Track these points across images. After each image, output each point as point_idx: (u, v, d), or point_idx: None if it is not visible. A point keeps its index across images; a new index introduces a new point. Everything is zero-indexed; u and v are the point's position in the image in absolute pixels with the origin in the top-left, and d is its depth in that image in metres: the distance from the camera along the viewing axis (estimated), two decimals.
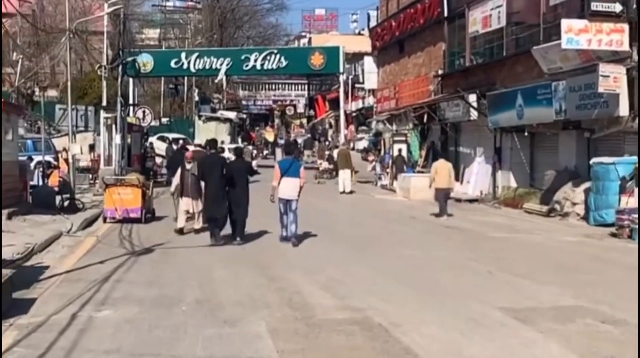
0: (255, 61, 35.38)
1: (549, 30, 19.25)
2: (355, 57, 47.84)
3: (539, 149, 21.45)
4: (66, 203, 17.69)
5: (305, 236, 13.78)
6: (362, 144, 42.41)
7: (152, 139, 38.72)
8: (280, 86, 78.44)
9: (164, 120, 50.88)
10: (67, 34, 18.46)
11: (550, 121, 18.64)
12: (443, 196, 17.98)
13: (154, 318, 6.97)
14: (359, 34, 62.63)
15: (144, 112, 30.11)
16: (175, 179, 14.53)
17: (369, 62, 35.86)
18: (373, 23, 34.62)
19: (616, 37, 15.43)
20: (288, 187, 12.61)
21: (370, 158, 33.25)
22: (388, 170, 29.58)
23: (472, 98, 22.41)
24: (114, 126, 24.16)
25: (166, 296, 7.97)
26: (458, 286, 8.69)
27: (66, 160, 26.62)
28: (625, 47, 15.44)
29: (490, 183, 22.84)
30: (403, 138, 28.56)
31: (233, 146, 36.08)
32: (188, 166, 14.02)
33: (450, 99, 23.74)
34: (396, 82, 31.66)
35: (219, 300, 7.83)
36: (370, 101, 46.99)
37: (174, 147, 30.04)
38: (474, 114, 22.57)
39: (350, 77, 49.39)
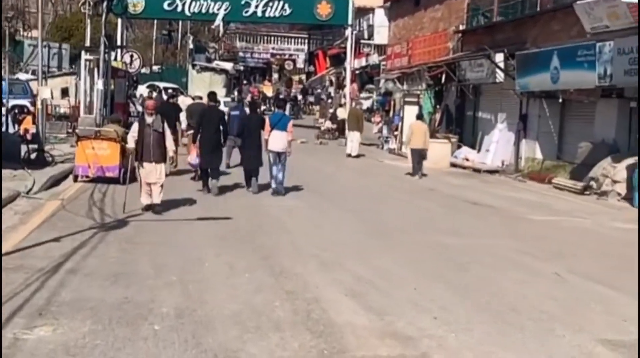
0: (257, 6, 32.60)
1: None
2: (359, 12, 45.15)
3: (570, 118, 19.21)
4: (33, 156, 15.36)
5: (313, 207, 11.73)
6: (366, 104, 40.03)
7: (142, 87, 36.33)
8: (279, 39, 75.63)
9: (155, 68, 48.31)
10: None
11: (592, 87, 16.36)
12: (417, 156, 18.17)
13: (109, 346, 4.78)
14: None
15: (131, 56, 27.52)
16: (131, 138, 10.69)
17: (379, 15, 33.30)
18: None
19: None
20: (277, 140, 13.17)
21: (377, 119, 30.91)
22: (396, 133, 27.35)
23: (499, 58, 20.03)
24: (96, 70, 21.62)
25: (133, 303, 5.75)
26: (529, 300, 6.51)
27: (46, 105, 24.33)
28: None
29: (512, 153, 20.64)
30: (415, 99, 26.21)
31: (228, 99, 33.88)
32: (149, 120, 10.50)
33: (473, 57, 21.35)
34: (409, 38, 29.17)
35: (207, 313, 5.62)
36: (374, 58, 44.47)
37: (164, 97, 27.62)
38: (500, 76, 20.23)
39: (354, 33, 46.70)
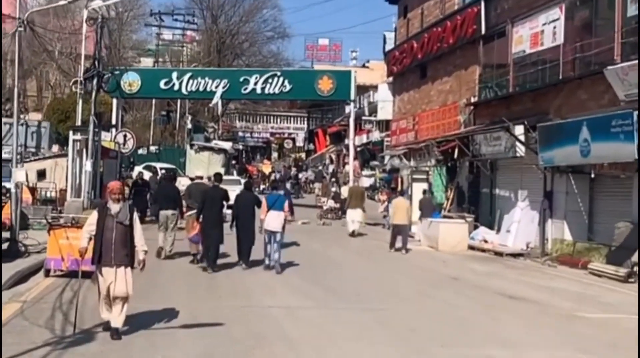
0: (256, 83, 31.42)
1: (626, 46, 15.50)
2: (360, 90, 44.27)
3: (602, 195, 17.44)
4: (5, 246, 13.49)
5: (320, 307, 9.80)
6: (368, 181, 38.50)
7: (139, 168, 34.91)
8: (278, 118, 75.16)
9: (153, 148, 47.04)
10: (17, 23, 14.48)
11: (630, 160, 14.66)
12: (397, 231, 18.70)
13: None
14: (364, 66, 59.33)
15: (125, 136, 25.96)
16: (86, 232, 8.06)
17: (383, 90, 32.05)
18: (390, 46, 30.84)
19: None
20: (273, 220, 13.75)
21: (383, 197, 29.16)
22: None
23: (519, 130, 18.44)
24: (84, 150, 19.99)
25: None
26: None
27: (32, 189, 22.60)
28: None
29: (537, 234, 18.75)
30: (424, 176, 24.56)
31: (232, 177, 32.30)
32: (114, 209, 7.88)
33: (490, 131, 19.76)
34: (415, 112, 27.79)
35: None
36: (376, 135, 43.31)
37: (158, 177, 25.98)
38: (520, 150, 18.58)
39: (355, 110, 45.67)
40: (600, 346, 7.97)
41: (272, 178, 39.59)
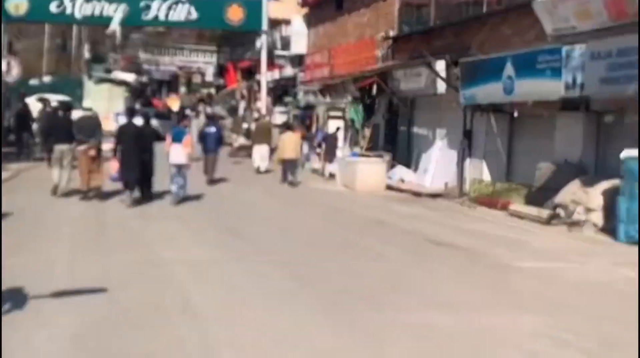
0: (159, 9, 29.31)
1: None
2: (272, 24, 42.38)
3: (523, 135, 16.99)
4: None
5: (230, 261, 8.74)
6: (282, 118, 37.16)
7: (30, 100, 32.27)
8: (187, 51, 71.95)
9: (46, 79, 43.92)
10: None
11: (556, 98, 14.12)
12: (286, 165, 19.24)
13: None
14: None
15: (8, 63, 23.56)
16: None
17: (297, 23, 30.51)
18: None
19: None
20: (176, 153, 14.06)
21: (297, 134, 28.03)
22: (318, 150, 24.63)
23: (440, 66, 17.63)
24: None
25: None
26: None
27: None
28: None
29: (455, 174, 18.23)
30: (340, 113, 23.65)
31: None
32: None
33: (410, 66, 18.87)
34: (331, 46, 26.57)
35: None
36: (289, 71, 41.81)
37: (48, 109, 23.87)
38: (441, 87, 17.82)
39: (267, 43, 43.70)
40: (546, 304, 7.27)
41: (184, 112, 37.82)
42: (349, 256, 9.58)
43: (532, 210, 14.29)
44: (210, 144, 18.77)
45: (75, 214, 12.56)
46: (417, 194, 18.02)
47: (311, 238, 11.12)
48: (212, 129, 19.35)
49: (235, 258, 9.10)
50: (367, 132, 22.23)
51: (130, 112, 15.44)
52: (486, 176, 17.33)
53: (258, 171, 21.81)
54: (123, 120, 15.70)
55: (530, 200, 15.15)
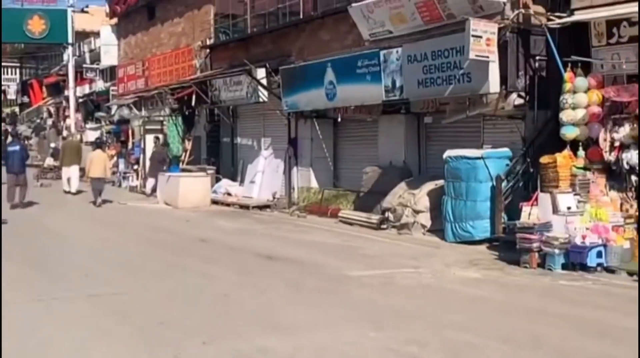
0: None
1: None
2: (79, 36, 39.95)
3: (345, 139, 16.96)
4: None
5: (32, 300, 7.50)
6: (94, 135, 34.95)
7: None
8: None
9: None
10: None
11: (378, 102, 14.11)
12: (96, 184, 18.30)
13: None
14: (83, 11, 54.17)
15: None
16: None
17: (106, 34, 28.76)
18: None
19: None
20: None
21: (112, 151, 26.42)
22: (136, 167, 23.30)
23: (261, 74, 17.15)
24: None
25: None
26: None
27: None
28: None
29: (283, 184, 17.83)
30: (158, 126, 22.46)
31: None
32: None
33: (230, 74, 18.19)
34: (145, 57, 25.26)
35: None
36: (100, 84, 39.59)
37: None
38: (263, 95, 17.33)
39: (75, 57, 41.14)
40: (385, 314, 6.89)
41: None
42: (172, 281, 8.67)
43: (362, 215, 14.18)
44: (15, 164, 17.05)
45: None
46: (244, 207, 17.41)
47: (130, 263, 10.06)
48: (16, 147, 17.78)
49: (38, 297, 7.82)
50: (188, 145, 21.24)
51: None
52: (314, 184, 17.08)
53: (68, 192, 20.50)
54: None
55: (359, 205, 15.07)
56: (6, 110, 61.00)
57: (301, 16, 16.74)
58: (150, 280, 8.84)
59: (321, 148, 16.97)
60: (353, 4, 14.22)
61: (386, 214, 13.70)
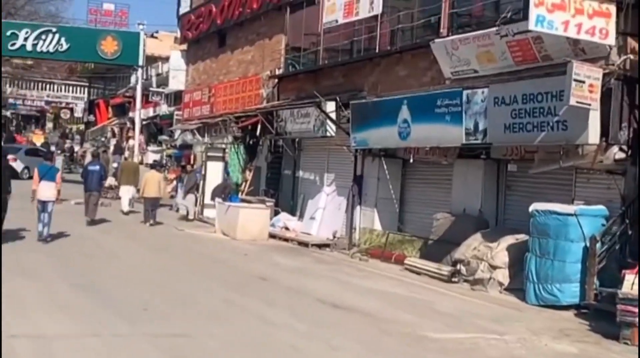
0: (26, 39, 26.74)
1: (455, 18, 14.02)
2: (147, 61, 40.35)
3: (414, 181, 16.01)
4: None
5: (89, 336, 6.79)
6: (154, 157, 34.88)
7: None
8: (56, 85, 68.02)
9: None
10: None
11: (457, 145, 13.18)
12: (150, 204, 18.59)
13: None
14: (152, 36, 54.95)
15: None
16: None
17: (175, 58, 28.69)
18: (185, 9, 27.46)
19: (600, 23, 10.18)
20: (45, 190, 13.93)
21: (171, 175, 26.07)
22: (196, 193, 22.74)
23: (331, 107, 16.43)
24: None
25: None
26: None
27: None
28: (611, 39, 10.27)
29: (344, 223, 16.95)
30: (220, 154, 21.94)
31: None
32: None
33: (299, 106, 17.53)
34: (212, 84, 24.93)
35: None
36: (164, 108, 39.75)
37: None
38: (331, 130, 16.59)
39: (142, 80, 41.55)
40: None
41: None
42: (234, 325, 7.86)
43: (431, 265, 13.15)
44: (94, 182, 17.73)
45: None
46: (303, 244, 16.57)
47: (188, 298, 9.30)
48: (96, 167, 18.29)
49: (94, 332, 7.10)
50: (248, 175, 20.62)
51: None
52: (377, 226, 16.15)
53: (125, 213, 20.61)
54: None
55: (427, 254, 14.07)
56: (73, 127, 62.18)
57: (377, 50, 15.98)
58: (211, 320, 8.07)
59: (387, 189, 16.05)
60: (436, 40, 13.44)
61: (458, 267, 12.67)
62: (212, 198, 19.78)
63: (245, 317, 8.46)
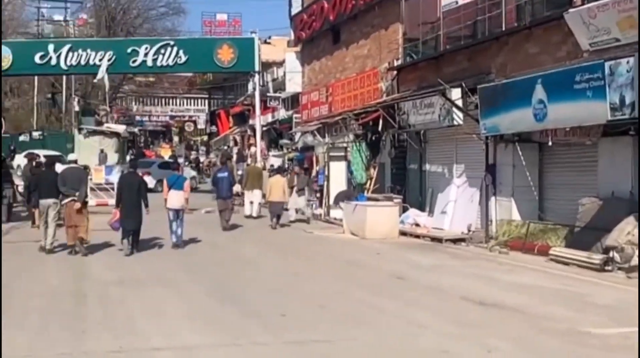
0: (146, 55, 27.51)
1: None
2: (263, 67, 40.86)
3: (552, 166, 14.88)
4: None
5: (230, 346, 6.50)
6: (277, 162, 35.17)
7: (19, 157, 30.55)
8: (178, 100, 70.70)
9: (36, 134, 42.23)
10: None
11: (603, 122, 12.03)
12: (275, 208, 18.73)
13: None
14: (266, 42, 55.72)
15: None
16: None
17: (291, 60, 28.70)
18: (297, 9, 27.42)
19: None
20: (175, 198, 14.34)
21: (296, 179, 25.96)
22: (319, 195, 22.52)
23: (456, 94, 15.61)
24: None
25: None
26: None
27: None
28: None
29: (479, 215, 16.06)
30: (342, 153, 21.57)
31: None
32: None
33: (422, 96, 16.82)
34: (329, 82, 24.65)
35: None
36: (282, 113, 40.08)
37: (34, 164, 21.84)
38: (458, 118, 15.76)
39: (259, 87, 42.10)
40: None
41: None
42: (376, 328, 7.34)
43: (580, 254, 12.08)
44: (224, 189, 18.04)
45: (52, 282, 10.38)
46: (435, 239, 15.83)
47: (326, 302, 8.88)
48: (225, 174, 18.64)
49: (235, 341, 6.81)
50: (373, 172, 20.09)
51: (133, 164, 16.43)
52: (516, 216, 15.14)
53: (249, 217, 20.76)
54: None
55: (574, 242, 12.98)
56: (197, 139, 64.35)
57: (503, 28, 15.00)
58: (351, 324, 7.59)
59: (524, 176, 15.02)
60: (570, 10, 12.37)
61: (611, 254, 11.57)
62: (336, 203, 19.56)
63: (386, 318, 7.93)
